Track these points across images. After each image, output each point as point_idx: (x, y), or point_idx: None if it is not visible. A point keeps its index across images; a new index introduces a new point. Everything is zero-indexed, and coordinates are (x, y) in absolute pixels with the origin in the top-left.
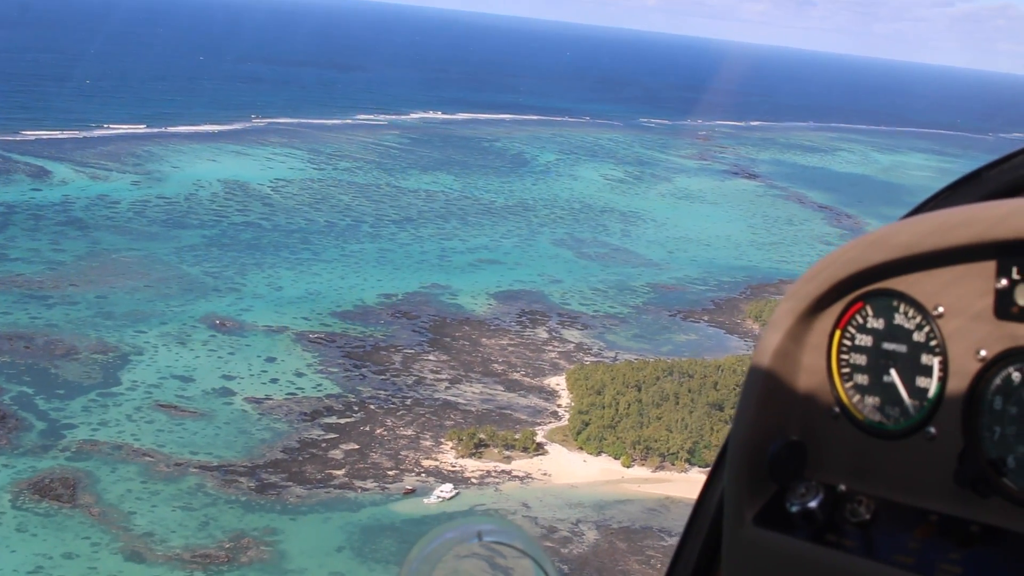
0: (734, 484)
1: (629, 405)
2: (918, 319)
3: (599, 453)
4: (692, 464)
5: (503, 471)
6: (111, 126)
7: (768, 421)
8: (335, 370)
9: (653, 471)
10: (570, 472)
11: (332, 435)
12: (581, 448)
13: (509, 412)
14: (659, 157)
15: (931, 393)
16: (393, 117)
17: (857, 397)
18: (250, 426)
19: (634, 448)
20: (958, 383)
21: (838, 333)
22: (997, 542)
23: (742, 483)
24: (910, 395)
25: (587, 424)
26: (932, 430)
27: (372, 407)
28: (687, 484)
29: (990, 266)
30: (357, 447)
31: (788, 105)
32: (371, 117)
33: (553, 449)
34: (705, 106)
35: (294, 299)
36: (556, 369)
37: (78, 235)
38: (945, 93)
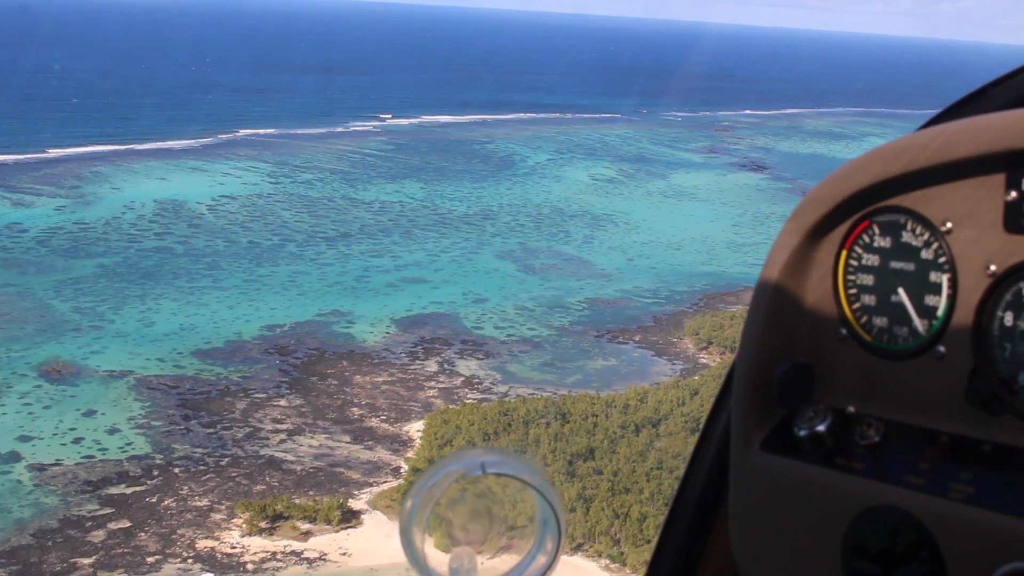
0: (741, 409)
1: None
2: (926, 236)
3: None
4: None
5: (293, 552)
6: (72, 147)
7: (774, 344)
8: (158, 423)
9: None
10: (376, 551)
11: (107, 510)
12: None
13: (342, 471)
14: (663, 152)
15: (940, 311)
16: (390, 122)
17: (865, 318)
18: (15, 502)
19: None
20: (967, 300)
21: (844, 253)
22: (1009, 461)
23: (749, 408)
24: (919, 314)
25: None
26: (942, 349)
27: (176, 470)
28: None
29: (999, 179)
30: (128, 525)
31: (827, 91)
32: (365, 124)
33: (372, 519)
34: (735, 95)
35: (160, 336)
36: (428, 411)
37: None
38: (1003, 71)
